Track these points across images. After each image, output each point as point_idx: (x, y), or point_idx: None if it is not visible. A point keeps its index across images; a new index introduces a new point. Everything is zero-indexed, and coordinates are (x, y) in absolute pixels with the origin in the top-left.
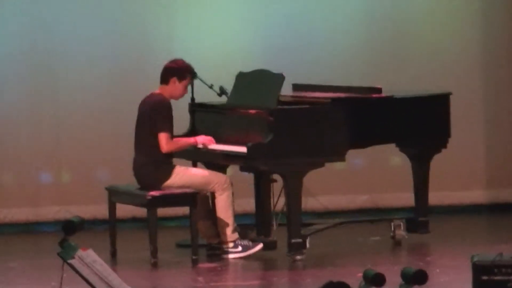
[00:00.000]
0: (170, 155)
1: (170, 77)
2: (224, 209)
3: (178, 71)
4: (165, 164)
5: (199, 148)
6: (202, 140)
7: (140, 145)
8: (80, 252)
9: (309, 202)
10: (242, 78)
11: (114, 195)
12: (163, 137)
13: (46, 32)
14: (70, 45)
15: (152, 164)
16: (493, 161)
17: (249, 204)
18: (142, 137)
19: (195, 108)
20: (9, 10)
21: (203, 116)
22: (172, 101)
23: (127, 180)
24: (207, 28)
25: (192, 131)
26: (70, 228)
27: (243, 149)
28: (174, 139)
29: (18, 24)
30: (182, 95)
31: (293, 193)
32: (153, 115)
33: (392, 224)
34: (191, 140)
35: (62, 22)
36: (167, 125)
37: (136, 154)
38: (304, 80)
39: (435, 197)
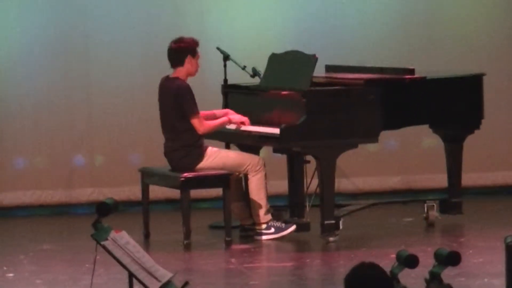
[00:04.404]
0: (201, 138)
1: (184, 57)
2: (257, 190)
3: (190, 49)
4: (197, 147)
5: (233, 129)
6: (236, 119)
7: (169, 131)
8: (113, 234)
9: (342, 184)
10: (274, 59)
11: (147, 177)
12: (196, 121)
13: (78, 17)
14: (102, 29)
15: (183, 149)
16: None
17: (282, 186)
18: (169, 123)
19: (228, 89)
20: None
21: (236, 98)
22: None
23: (160, 162)
24: (239, 9)
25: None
26: (103, 210)
27: (276, 131)
28: (207, 122)
29: (51, 9)
30: (197, 70)
31: (326, 174)
32: (178, 102)
33: (425, 205)
34: (225, 120)
35: (95, 6)
36: (195, 108)
37: (166, 139)
38: (337, 62)
39: (468, 178)
